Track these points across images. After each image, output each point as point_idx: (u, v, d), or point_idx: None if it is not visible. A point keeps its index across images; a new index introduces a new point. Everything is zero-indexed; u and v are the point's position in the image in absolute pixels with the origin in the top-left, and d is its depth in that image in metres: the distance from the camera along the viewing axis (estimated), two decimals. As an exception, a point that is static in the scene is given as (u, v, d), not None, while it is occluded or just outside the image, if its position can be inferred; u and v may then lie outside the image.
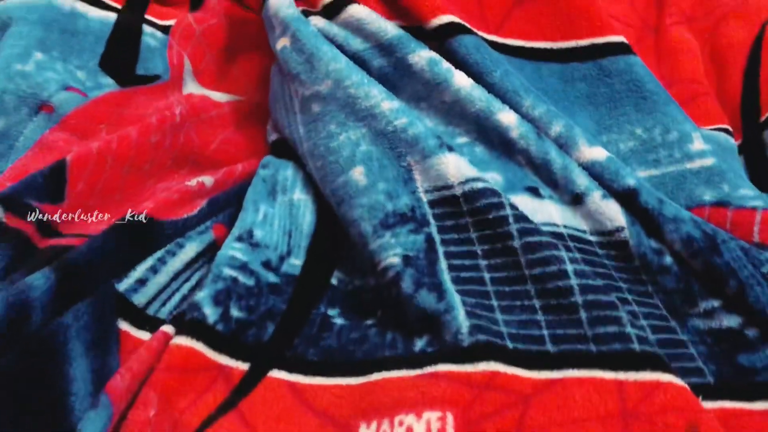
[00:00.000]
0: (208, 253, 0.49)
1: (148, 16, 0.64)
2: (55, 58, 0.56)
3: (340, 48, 0.54)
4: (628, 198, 0.48)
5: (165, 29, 0.64)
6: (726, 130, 0.59)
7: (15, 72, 0.54)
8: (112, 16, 0.61)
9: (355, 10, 0.54)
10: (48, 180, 0.49)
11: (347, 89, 0.50)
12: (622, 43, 0.56)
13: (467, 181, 0.47)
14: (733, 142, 0.58)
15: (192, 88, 0.61)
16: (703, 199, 0.51)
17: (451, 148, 0.48)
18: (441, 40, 0.54)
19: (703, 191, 0.51)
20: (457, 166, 0.47)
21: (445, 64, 0.52)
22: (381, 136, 0.49)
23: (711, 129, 0.58)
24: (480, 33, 0.56)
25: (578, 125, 0.55)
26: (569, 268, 0.44)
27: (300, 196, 0.51)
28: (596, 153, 0.50)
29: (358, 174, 0.49)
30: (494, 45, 0.56)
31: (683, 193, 0.52)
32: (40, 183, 0.49)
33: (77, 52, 0.58)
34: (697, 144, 0.53)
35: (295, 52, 0.53)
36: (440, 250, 0.46)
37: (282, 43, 0.54)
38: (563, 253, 0.44)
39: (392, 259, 0.45)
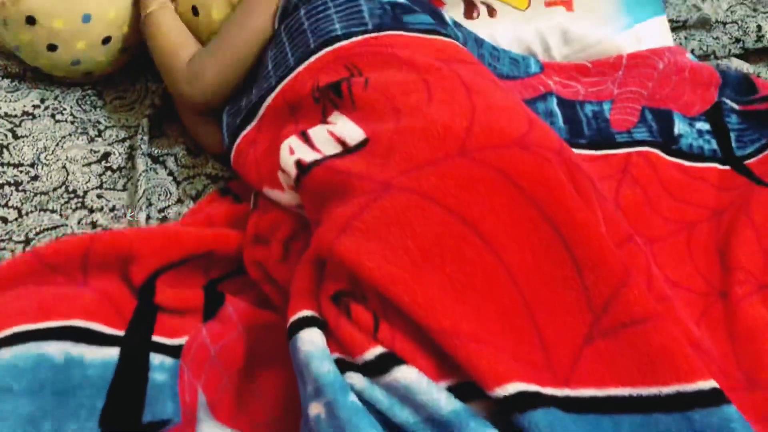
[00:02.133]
0: None
1: (156, 338, 0.55)
2: (46, 432, 0.47)
3: (384, 417, 0.45)
4: None
5: (175, 351, 0.55)
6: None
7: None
8: (114, 353, 0.52)
9: (403, 375, 0.46)
10: None
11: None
12: (713, 391, 0.48)
13: None
14: None
15: (207, 430, 0.52)
16: None
17: None
18: (507, 410, 0.45)
19: None
20: None
21: (514, 451, 0.44)
22: None
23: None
24: (549, 390, 0.47)
25: None
26: None
27: None
28: None
29: None
30: (567, 402, 0.47)
31: None
32: None
33: (73, 412, 0.49)
34: None
35: (332, 429, 0.44)
36: None
37: (315, 410, 0.45)
38: None
39: None
